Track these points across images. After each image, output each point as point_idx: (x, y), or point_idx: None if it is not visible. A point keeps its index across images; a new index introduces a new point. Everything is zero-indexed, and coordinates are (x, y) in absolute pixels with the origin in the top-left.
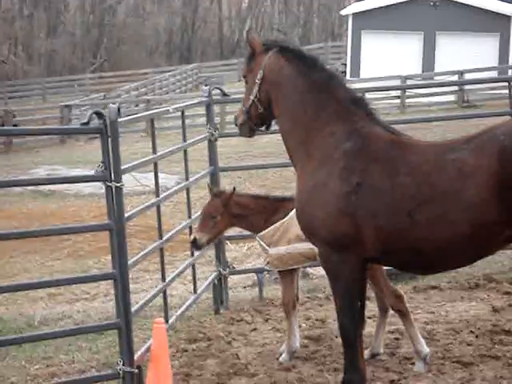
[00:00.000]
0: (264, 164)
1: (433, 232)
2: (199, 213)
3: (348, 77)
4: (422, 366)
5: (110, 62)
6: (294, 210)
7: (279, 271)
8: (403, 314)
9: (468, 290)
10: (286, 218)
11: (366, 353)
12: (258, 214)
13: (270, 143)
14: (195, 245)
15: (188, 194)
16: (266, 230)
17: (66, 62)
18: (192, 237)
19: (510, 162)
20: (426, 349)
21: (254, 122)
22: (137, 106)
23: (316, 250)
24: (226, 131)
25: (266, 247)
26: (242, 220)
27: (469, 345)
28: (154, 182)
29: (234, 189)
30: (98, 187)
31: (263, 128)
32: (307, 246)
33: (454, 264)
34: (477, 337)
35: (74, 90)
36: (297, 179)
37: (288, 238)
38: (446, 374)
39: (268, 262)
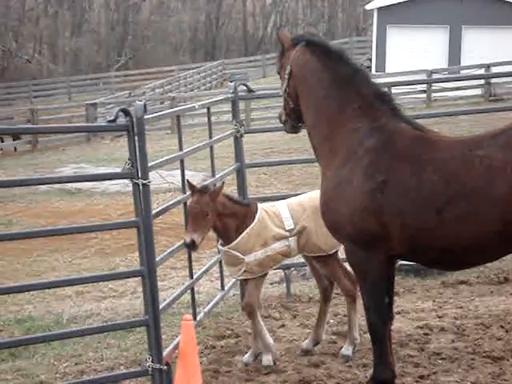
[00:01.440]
0: (290, 160)
1: (462, 229)
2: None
3: (373, 71)
4: (350, 351)
5: (134, 59)
6: (260, 213)
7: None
8: (353, 299)
9: (497, 284)
10: (253, 223)
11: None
12: (232, 217)
13: (296, 139)
14: (193, 247)
15: None
16: (238, 240)
17: (90, 61)
18: (188, 239)
19: None
20: (358, 337)
21: (292, 117)
22: (162, 103)
23: (291, 246)
24: (251, 127)
25: (241, 256)
26: (221, 220)
27: (499, 339)
28: (179, 179)
29: (223, 183)
30: (125, 185)
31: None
32: (284, 244)
33: (483, 260)
34: (507, 331)
35: (99, 88)
36: (321, 175)
37: (263, 241)
38: (476, 369)
39: (245, 271)
